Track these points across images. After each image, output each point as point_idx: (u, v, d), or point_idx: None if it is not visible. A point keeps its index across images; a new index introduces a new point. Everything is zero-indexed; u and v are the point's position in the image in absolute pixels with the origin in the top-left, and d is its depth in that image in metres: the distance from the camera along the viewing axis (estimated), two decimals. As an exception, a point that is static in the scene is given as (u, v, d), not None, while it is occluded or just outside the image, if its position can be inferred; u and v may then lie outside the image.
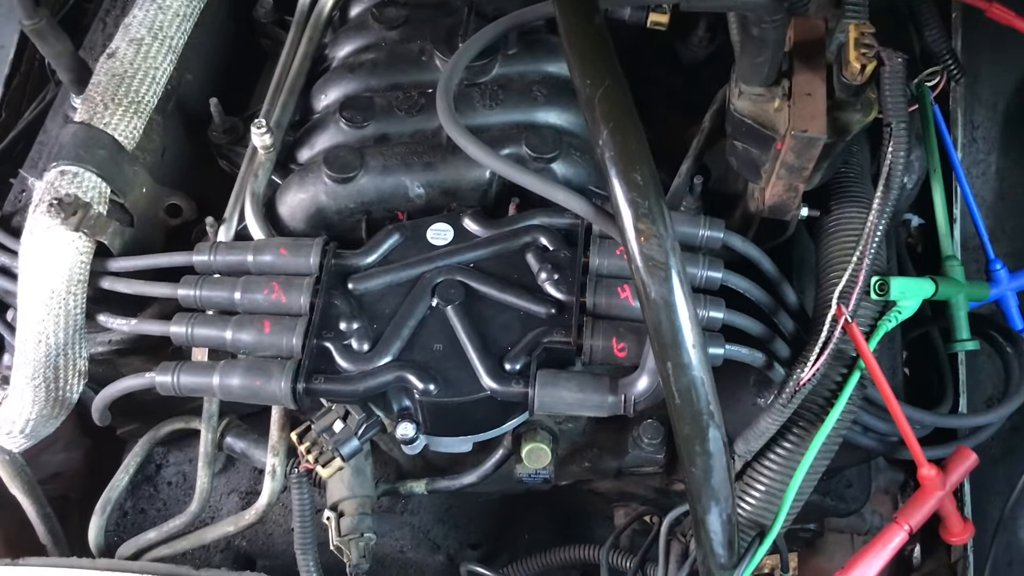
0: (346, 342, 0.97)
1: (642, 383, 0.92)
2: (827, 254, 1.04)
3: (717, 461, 0.85)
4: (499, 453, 1.09)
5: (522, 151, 1.07)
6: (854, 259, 0.96)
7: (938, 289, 1.06)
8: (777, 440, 1.01)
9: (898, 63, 0.95)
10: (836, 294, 0.95)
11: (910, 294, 1.03)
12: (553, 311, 0.98)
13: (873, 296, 1.00)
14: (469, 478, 1.12)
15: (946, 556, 1.38)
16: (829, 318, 0.94)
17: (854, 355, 0.99)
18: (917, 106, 1.16)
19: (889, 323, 1.02)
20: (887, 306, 1.03)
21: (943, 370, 1.22)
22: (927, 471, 1.01)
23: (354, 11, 1.28)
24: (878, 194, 0.95)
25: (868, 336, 1.01)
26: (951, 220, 1.49)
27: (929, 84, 1.15)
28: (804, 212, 1.07)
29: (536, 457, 1.06)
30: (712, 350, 0.95)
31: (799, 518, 1.06)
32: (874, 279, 1.00)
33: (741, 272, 1.03)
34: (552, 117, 1.13)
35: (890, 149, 0.94)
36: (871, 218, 0.95)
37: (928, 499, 1.01)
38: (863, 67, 0.95)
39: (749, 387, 1.09)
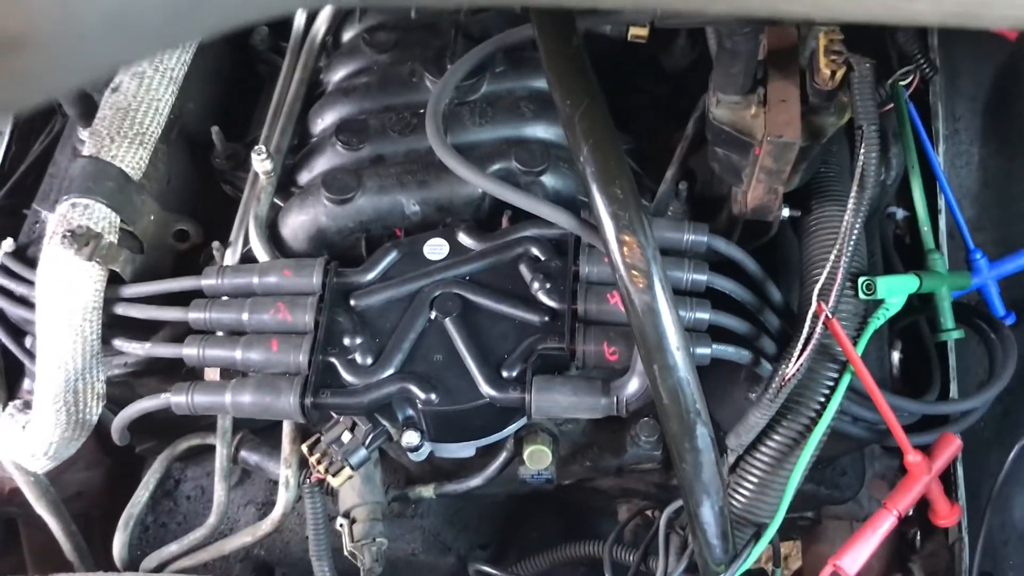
0: (350, 357, 1.02)
1: (633, 385, 0.96)
2: (809, 252, 1.08)
3: (706, 456, 0.89)
4: (502, 456, 1.14)
5: (512, 166, 1.12)
6: (832, 256, 1.00)
7: (922, 283, 1.10)
8: (767, 434, 1.04)
9: (866, 68, 0.99)
10: (816, 291, 0.99)
11: (896, 291, 1.07)
12: (547, 319, 1.02)
13: (862, 296, 1.04)
14: (475, 481, 1.16)
15: (944, 538, 1.42)
16: (810, 315, 0.98)
17: (839, 349, 1.03)
18: (892, 105, 1.19)
19: (878, 320, 1.06)
20: (874, 303, 1.07)
21: (931, 358, 1.26)
22: (912, 457, 1.05)
23: (346, 36, 1.33)
24: (853, 193, 0.99)
25: (859, 334, 1.05)
26: (935, 212, 1.53)
27: (903, 83, 1.19)
28: (785, 212, 1.11)
29: (537, 458, 1.10)
30: (699, 350, 0.99)
31: (794, 507, 1.10)
32: (861, 279, 1.04)
33: (727, 273, 1.07)
34: (540, 131, 1.17)
35: (862, 150, 0.98)
36: (847, 216, 0.99)
37: (915, 484, 1.05)
38: (833, 73, 0.99)
39: (740, 383, 1.13)
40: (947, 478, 1.33)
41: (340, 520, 1.12)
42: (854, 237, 1.00)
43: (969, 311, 1.23)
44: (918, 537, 1.50)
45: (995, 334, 1.19)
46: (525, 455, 1.09)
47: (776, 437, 1.04)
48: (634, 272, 0.85)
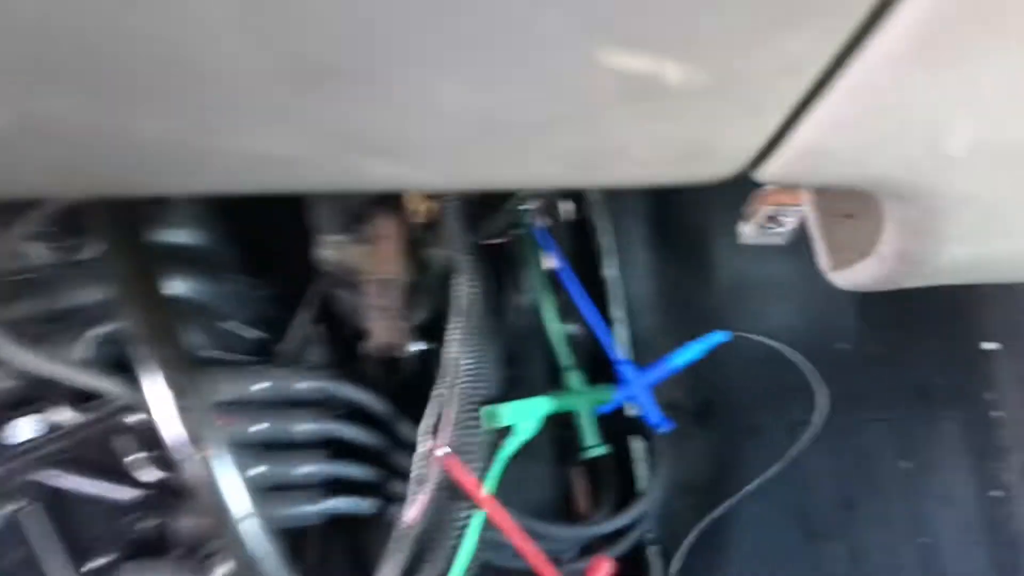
0: (-94, 569, 0.88)
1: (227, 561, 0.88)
2: (433, 387, 1.05)
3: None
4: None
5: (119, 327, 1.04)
6: (442, 391, 0.97)
7: (556, 403, 1.09)
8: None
9: (452, 202, 0.99)
10: (423, 430, 0.96)
11: (524, 416, 1.05)
12: (142, 494, 0.93)
13: (487, 425, 1.02)
14: None
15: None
16: (418, 454, 0.94)
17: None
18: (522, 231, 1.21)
19: (508, 448, 1.03)
20: (505, 431, 1.05)
21: (599, 477, 1.25)
22: (556, 587, 1.01)
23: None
24: (451, 321, 0.97)
25: (490, 465, 1.02)
26: (611, 322, 1.56)
27: (528, 208, 1.21)
28: (413, 347, 1.09)
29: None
30: (306, 508, 0.93)
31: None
32: (485, 409, 1.02)
33: (362, 415, 1.03)
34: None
35: (454, 279, 0.97)
36: (450, 348, 0.97)
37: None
38: (423, 208, 0.99)
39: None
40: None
41: None
42: (468, 366, 0.97)
43: (624, 423, 1.23)
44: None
45: (648, 442, 1.20)
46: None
47: (422, 581, 0.98)
48: (186, 442, 0.79)
